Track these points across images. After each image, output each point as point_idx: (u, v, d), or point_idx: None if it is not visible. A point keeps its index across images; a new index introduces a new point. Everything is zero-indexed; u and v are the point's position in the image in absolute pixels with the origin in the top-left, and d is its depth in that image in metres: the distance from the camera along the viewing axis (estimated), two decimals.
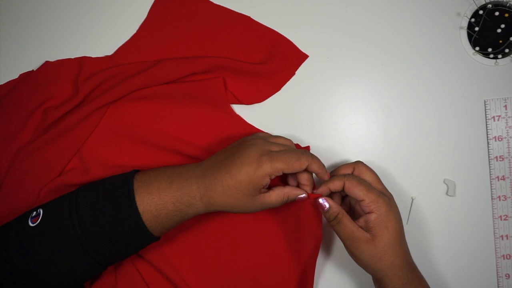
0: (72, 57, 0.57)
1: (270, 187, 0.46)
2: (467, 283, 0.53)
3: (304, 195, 0.46)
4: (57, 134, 0.53)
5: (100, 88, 0.55)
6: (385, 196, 0.45)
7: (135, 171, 0.46)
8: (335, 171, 0.49)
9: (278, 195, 0.45)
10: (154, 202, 0.43)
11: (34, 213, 0.43)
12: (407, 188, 0.54)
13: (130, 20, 0.57)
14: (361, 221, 0.45)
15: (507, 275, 0.52)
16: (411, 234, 0.53)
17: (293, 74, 0.55)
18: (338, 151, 0.55)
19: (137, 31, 0.57)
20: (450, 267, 0.53)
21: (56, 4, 0.58)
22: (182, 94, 0.54)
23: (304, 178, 0.46)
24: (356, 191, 0.44)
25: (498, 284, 0.53)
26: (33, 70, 0.57)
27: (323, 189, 0.46)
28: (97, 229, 0.42)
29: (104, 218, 0.42)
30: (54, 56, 0.57)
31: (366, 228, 0.44)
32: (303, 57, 0.55)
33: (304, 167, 0.44)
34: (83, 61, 0.56)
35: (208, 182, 0.43)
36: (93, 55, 0.57)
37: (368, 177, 0.47)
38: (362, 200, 0.44)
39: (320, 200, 0.46)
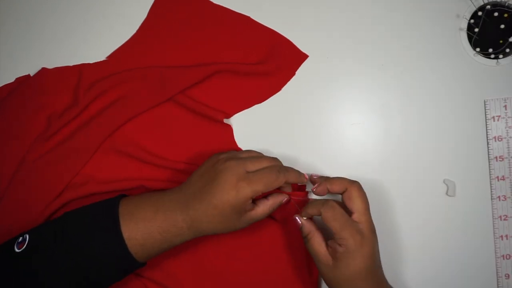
0: (72, 58, 0.57)
1: (253, 200, 0.46)
2: (467, 283, 0.53)
3: (285, 198, 0.48)
4: (62, 153, 0.53)
5: (103, 100, 0.55)
6: (359, 234, 0.44)
7: (121, 197, 0.46)
8: (330, 180, 0.47)
9: (263, 209, 0.46)
10: (140, 231, 0.43)
11: (20, 238, 0.43)
12: (407, 188, 0.54)
13: (130, 20, 0.57)
14: (332, 243, 0.45)
15: (507, 275, 0.52)
16: (411, 234, 0.53)
17: (294, 74, 0.55)
18: (338, 151, 0.55)
19: (137, 31, 0.57)
20: (450, 267, 0.53)
21: (56, 4, 0.58)
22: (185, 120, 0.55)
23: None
24: (330, 224, 0.44)
25: (498, 284, 0.53)
26: (29, 74, 0.57)
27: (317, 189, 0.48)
28: (84, 255, 0.42)
29: (90, 244, 0.42)
30: (54, 56, 0.57)
31: (332, 253, 0.44)
32: (303, 57, 0.55)
33: (282, 183, 0.45)
34: (82, 69, 0.56)
35: (192, 213, 0.44)
36: (93, 55, 0.57)
37: (355, 205, 0.45)
38: (334, 234, 0.44)
39: (296, 217, 0.47)
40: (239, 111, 0.56)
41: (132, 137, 0.54)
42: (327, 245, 0.45)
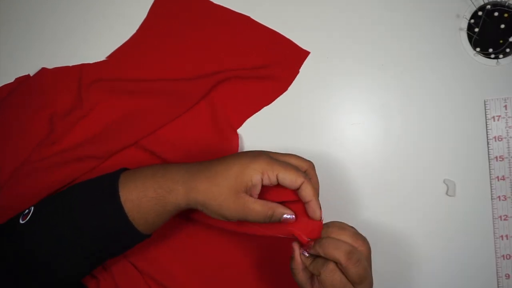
0: (72, 58, 0.56)
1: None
2: (467, 283, 0.53)
3: (291, 216, 0.42)
4: (65, 160, 0.53)
5: (105, 105, 0.55)
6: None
7: (124, 168, 0.45)
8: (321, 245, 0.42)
9: (263, 205, 0.41)
10: (136, 189, 0.41)
11: (26, 211, 0.43)
12: (407, 188, 0.54)
13: (130, 20, 0.57)
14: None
15: (507, 275, 0.52)
16: (411, 234, 0.53)
17: (297, 72, 0.55)
18: (338, 151, 0.55)
19: (137, 31, 0.57)
20: (450, 267, 0.53)
21: (56, 4, 0.58)
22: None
23: (303, 192, 0.42)
24: None
25: (498, 284, 0.53)
26: (29, 74, 0.57)
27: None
28: (85, 225, 0.42)
29: (90, 209, 0.42)
30: (54, 56, 0.57)
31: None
32: (304, 54, 0.55)
33: (299, 181, 0.40)
34: (82, 69, 0.56)
35: (196, 168, 0.42)
36: (93, 55, 0.56)
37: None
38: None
39: (293, 244, 0.43)
40: (249, 117, 0.55)
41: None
42: (312, 281, 0.43)
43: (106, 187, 0.42)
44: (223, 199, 0.40)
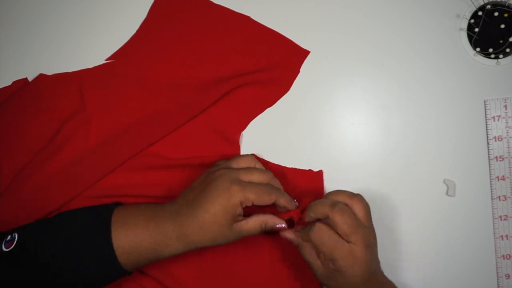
0: (71, 59, 0.56)
1: (248, 215, 0.45)
2: (467, 283, 0.53)
3: (283, 224, 0.46)
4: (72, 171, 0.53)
5: (109, 117, 0.54)
6: (350, 256, 0.42)
7: (116, 204, 0.46)
8: (312, 208, 0.46)
9: (255, 221, 0.45)
10: (128, 238, 0.43)
11: (9, 237, 0.43)
12: (406, 188, 0.54)
13: (129, 20, 0.57)
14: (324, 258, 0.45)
15: (507, 275, 0.52)
16: (411, 234, 0.53)
17: (298, 72, 0.55)
18: (338, 151, 0.55)
19: (136, 32, 0.57)
20: (450, 267, 0.53)
21: (56, 5, 0.58)
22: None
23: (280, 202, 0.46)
24: (320, 248, 0.43)
25: (498, 284, 0.53)
26: (26, 78, 0.56)
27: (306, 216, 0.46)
28: (70, 260, 0.42)
29: (78, 248, 0.42)
30: (53, 57, 0.57)
31: (326, 265, 0.44)
32: (304, 53, 0.55)
33: (273, 201, 0.45)
34: (82, 74, 0.56)
35: (183, 220, 0.43)
36: (92, 56, 0.56)
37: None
38: (325, 256, 0.44)
39: (282, 232, 0.47)
40: (252, 119, 0.55)
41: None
42: (319, 255, 0.45)
43: (98, 228, 0.43)
44: (221, 238, 0.44)
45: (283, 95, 0.55)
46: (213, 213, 0.43)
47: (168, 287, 0.51)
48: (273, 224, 0.46)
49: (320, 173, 0.54)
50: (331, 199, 0.45)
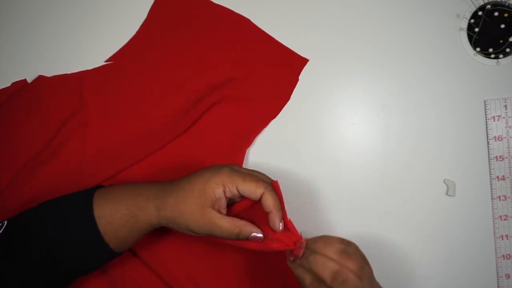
0: (70, 60, 0.56)
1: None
2: (467, 283, 0.53)
3: (259, 235, 0.42)
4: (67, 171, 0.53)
5: (108, 118, 0.54)
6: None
7: (99, 186, 0.47)
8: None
9: (230, 223, 0.41)
10: (109, 206, 0.43)
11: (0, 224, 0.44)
12: (407, 188, 0.54)
13: (129, 21, 0.57)
14: None
15: (507, 275, 0.52)
16: (411, 234, 0.53)
17: (297, 80, 0.55)
18: (338, 151, 0.55)
19: (137, 32, 0.57)
20: (450, 267, 0.53)
21: (56, 5, 0.58)
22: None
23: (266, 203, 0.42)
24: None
25: (498, 284, 0.53)
26: (26, 79, 0.56)
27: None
28: (59, 234, 0.42)
29: (63, 222, 0.43)
30: (53, 57, 0.57)
31: None
32: (303, 61, 0.55)
33: (259, 192, 0.41)
34: (82, 76, 0.55)
35: (165, 186, 0.43)
36: (92, 57, 0.56)
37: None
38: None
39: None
40: (258, 134, 0.55)
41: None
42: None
43: (80, 202, 0.44)
44: (190, 214, 0.41)
45: (284, 104, 0.55)
46: (193, 183, 0.42)
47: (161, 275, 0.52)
48: (248, 232, 0.41)
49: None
50: (333, 264, 0.39)
